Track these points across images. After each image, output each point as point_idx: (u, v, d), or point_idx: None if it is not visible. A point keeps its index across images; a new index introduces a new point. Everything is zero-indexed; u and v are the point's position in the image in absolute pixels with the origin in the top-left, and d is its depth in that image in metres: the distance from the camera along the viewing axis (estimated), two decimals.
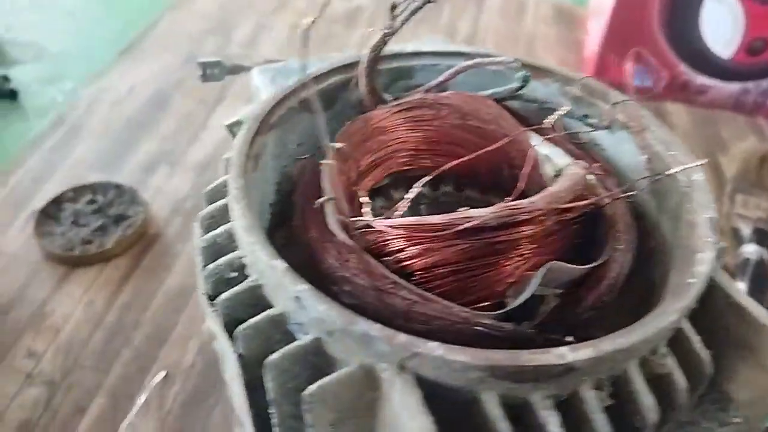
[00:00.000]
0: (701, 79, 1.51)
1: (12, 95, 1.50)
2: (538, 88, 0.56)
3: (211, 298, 0.45)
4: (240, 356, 0.42)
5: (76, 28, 1.79)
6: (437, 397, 0.36)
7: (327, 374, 0.38)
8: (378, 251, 0.43)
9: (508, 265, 0.43)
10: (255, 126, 0.48)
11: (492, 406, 0.36)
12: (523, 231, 0.41)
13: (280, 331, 0.41)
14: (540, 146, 0.52)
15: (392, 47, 0.53)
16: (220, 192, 0.50)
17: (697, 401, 0.45)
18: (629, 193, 0.46)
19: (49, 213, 1.14)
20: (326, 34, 1.75)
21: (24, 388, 0.92)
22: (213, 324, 0.45)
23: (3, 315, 1.01)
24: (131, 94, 1.51)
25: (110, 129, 1.40)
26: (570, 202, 0.43)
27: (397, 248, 0.42)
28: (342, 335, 0.37)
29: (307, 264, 0.42)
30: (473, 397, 0.36)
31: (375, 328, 0.35)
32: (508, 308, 0.42)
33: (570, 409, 0.37)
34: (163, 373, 0.93)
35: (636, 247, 0.47)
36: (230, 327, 0.43)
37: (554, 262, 0.42)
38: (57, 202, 1.16)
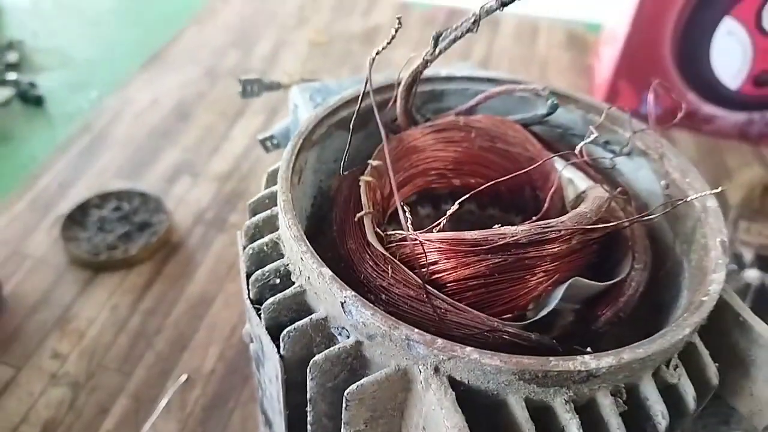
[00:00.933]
0: (708, 108, 1.55)
1: (38, 101, 1.53)
2: (561, 114, 0.58)
3: (255, 302, 0.48)
4: (281, 357, 0.45)
5: (100, 36, 1.84)
6: (465, 399, 0.38)
7: (361, 376, 0.40)
8: (412, 263, 0.45)
9: (533, 280, 0.45)
10: (299, 142, 0.51)
11: (518, 408, 0.38)
12: (550, 248, 0.44)
13: (322, 334, 0.44)
14: (564, 170, 0.55)
15: (426, 72, 0.55)
16: (263, 204, 0.53)
17: (698, 415, 0.47)
18: (650, 217, 0.48)
19: (76, 218, 1.18)
20: (344, 52, 1.79)
21: (49, 388, 0.95)
22: (256, 327, 0.48)
23: (29, 317, 1.04)
24: (154, 104, 1.54)
25: (134, 138, 1.44)
26: (594, 223, 0.46)
27: (431, 261, 0.44)
28: (383, 339, 0.39)
29: (341, 273, 0.44)
30: (500, 400, 0.39)
31: (416, 333, 0.38)
32: (531, 320, 0.45)
33: (586, 414, 0.40)
34: (184, 377, 0.96)
35: (651, 267, 0.49)
36: (272, 331, 0.46)
37: (576, 278, 0.45)
38: (83, 208, 1.19)
